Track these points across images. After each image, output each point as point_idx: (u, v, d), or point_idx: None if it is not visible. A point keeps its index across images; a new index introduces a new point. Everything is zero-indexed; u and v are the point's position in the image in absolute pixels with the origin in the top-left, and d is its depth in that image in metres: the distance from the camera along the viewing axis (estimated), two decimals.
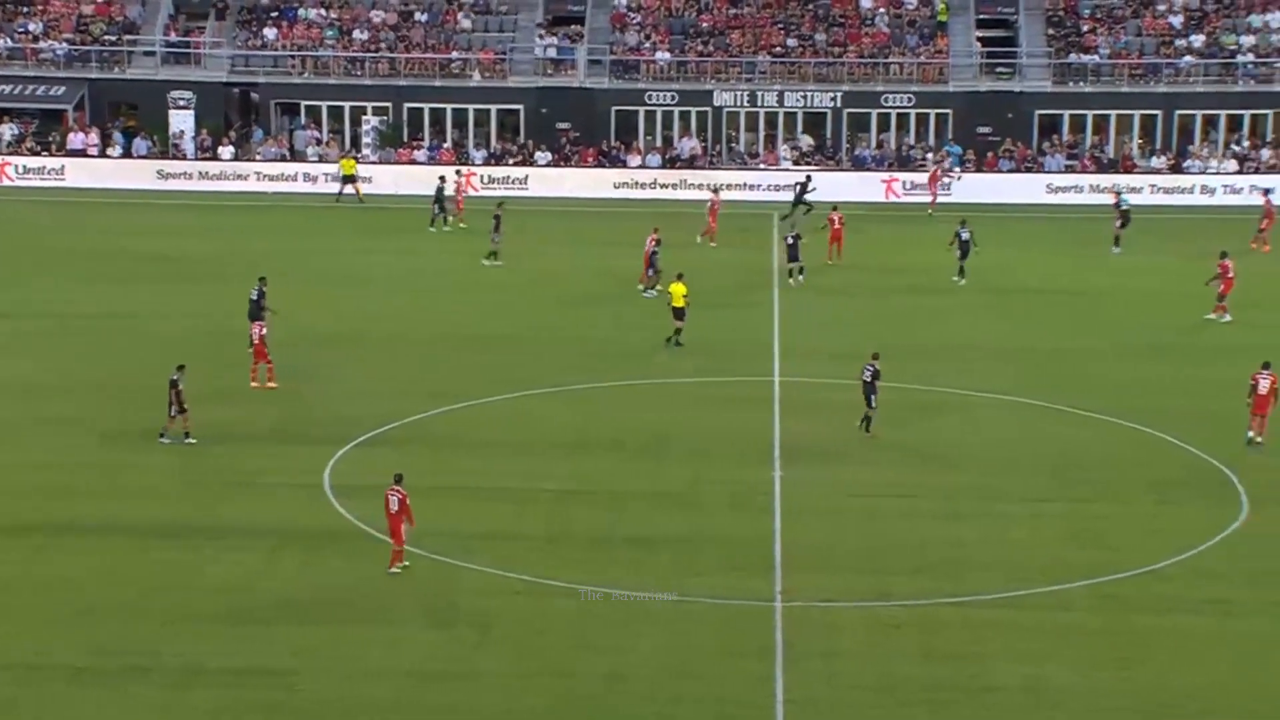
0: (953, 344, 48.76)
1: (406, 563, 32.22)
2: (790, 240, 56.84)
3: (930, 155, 75.35)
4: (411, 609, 30.73)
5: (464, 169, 72.11)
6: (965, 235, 57.07)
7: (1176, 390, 44.56)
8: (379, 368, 46.37)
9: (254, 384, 43.83)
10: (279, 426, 41.21)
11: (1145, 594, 31.59)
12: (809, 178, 69.27)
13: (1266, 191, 64.46)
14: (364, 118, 79.14)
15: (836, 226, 59.96)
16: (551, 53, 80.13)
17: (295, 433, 40.77)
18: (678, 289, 48.31)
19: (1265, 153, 76.18)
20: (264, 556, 33.18)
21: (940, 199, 71.31)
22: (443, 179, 68.35)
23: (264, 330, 44.28)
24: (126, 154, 77.30)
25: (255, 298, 47.04)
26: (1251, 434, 39.91)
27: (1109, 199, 66.29)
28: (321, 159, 77.33)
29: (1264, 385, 39.60)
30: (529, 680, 28.01)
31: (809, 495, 36.60)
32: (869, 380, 39.99)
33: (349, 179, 73.13)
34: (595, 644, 29.34)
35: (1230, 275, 51.69)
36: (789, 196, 69.91)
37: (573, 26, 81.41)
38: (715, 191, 66.86)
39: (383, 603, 31.00)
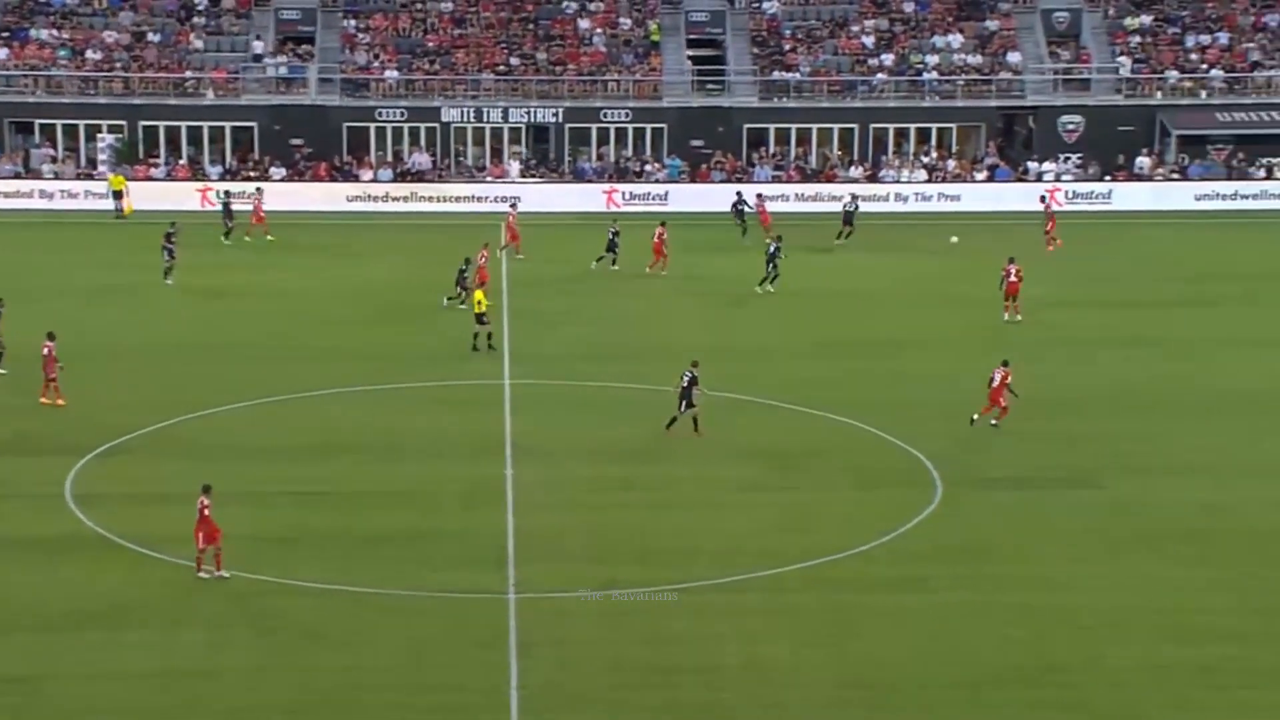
0: (669, 344, 48.96)
1: (225, 573, 31.04)
2: (611, 234, 59.90)
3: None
4: (152, 612, 29.81)
5: (260, 185, 70.64)
6: (773, 249, 57.36)
7: (880, 384, 45.31)
8: (121, 379, 44.94)
9: (57, 400, 41.93)
10: (18, 438, 39.67)
11: (852, 574, 32.13)
12: (740, 194, 69.44)
13: (1043, 198, 66.76)
14: (99, 135, 76.94)
15: (656, 240, 59.62)
16: (283, 71, 78.85)
17: (36, 444, 39.28)
18: (478, 296, 48.71)
19: (950, 163, 78.52)
20: (5, 566, 31.87)
21: (641, 209, 72.62)
22: (228, 194, 67.57)
23: (47, 349, 42.27)
24: None
25: None
26: (978, 416, 41.08)
27: (841, 205, 67.93)
28: (57, 176, 74.95)
29: (996, 378, 41.06)
30: (269, 675, 27.40)
31: (539, 491, 36.45)
32: (686, 385, 40.06)
33: (119, 194, 71.08)
34: (334, 639, 28.80)
35: (1014, 279, 52.67)
36: (526, 206, 70.19)
37: (303, 46, 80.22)
38: (513, 206, 66.40)
39: (125, 607, 30.02)
